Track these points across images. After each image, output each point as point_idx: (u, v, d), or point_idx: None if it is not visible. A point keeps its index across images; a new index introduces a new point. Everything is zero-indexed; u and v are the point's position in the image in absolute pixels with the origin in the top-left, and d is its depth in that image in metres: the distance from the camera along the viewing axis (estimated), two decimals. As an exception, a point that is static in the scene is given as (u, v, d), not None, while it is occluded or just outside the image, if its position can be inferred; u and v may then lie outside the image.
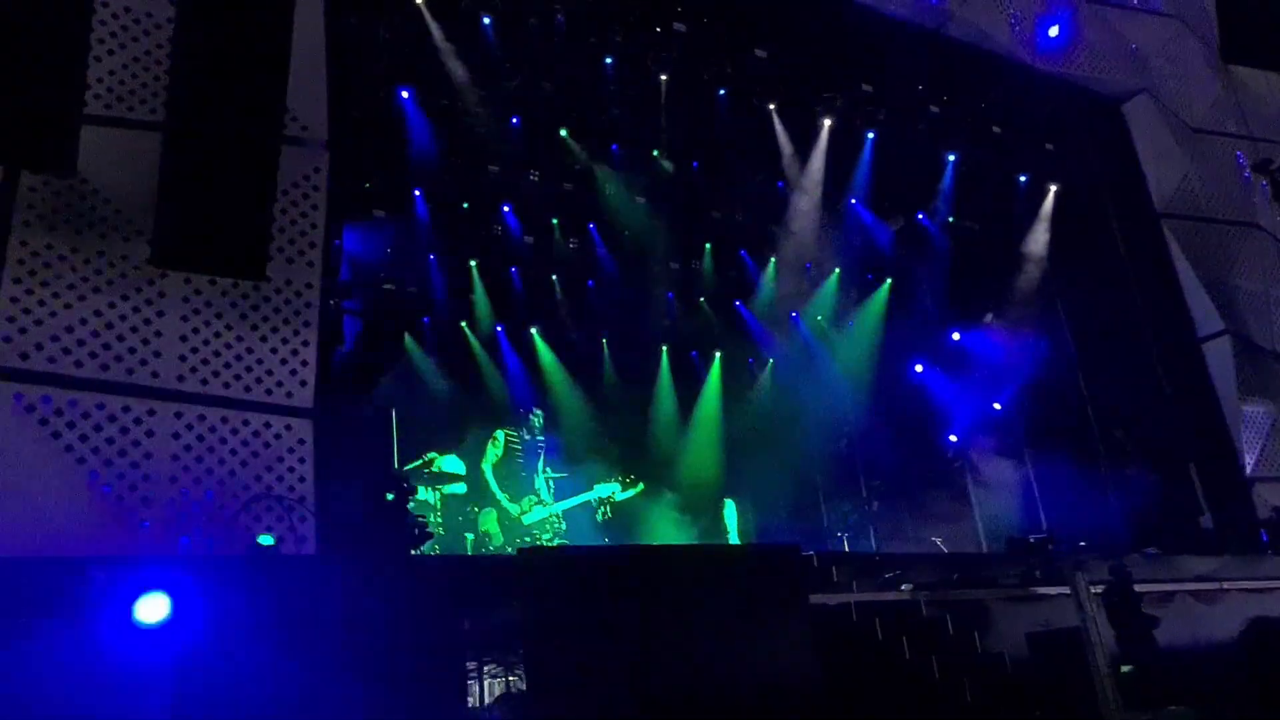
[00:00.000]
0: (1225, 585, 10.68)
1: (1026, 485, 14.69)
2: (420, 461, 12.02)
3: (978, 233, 15.79)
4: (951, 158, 14.74)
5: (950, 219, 15.55)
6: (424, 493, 11.79)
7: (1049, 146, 14.88)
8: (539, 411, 13.48)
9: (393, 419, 11.50)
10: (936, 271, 15.92)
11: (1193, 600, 10.29)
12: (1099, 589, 8.55)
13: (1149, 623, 8.34)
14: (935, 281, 16.00)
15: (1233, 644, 9.75)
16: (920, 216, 15.81)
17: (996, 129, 14.44)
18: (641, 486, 13.47)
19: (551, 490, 13.00)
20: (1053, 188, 15.02)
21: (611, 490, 13.15)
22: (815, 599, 7.72)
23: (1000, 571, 9.64)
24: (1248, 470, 12.88)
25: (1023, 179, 15.02)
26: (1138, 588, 8.79)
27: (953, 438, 15.51)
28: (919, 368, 16.02)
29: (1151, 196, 14.03)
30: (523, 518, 12.45)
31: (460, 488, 12.32)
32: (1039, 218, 15.07)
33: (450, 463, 12.26)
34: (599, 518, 13.38)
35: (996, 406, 15.23)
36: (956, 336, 15.93)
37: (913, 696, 7.92)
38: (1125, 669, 7.87)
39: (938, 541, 13.42)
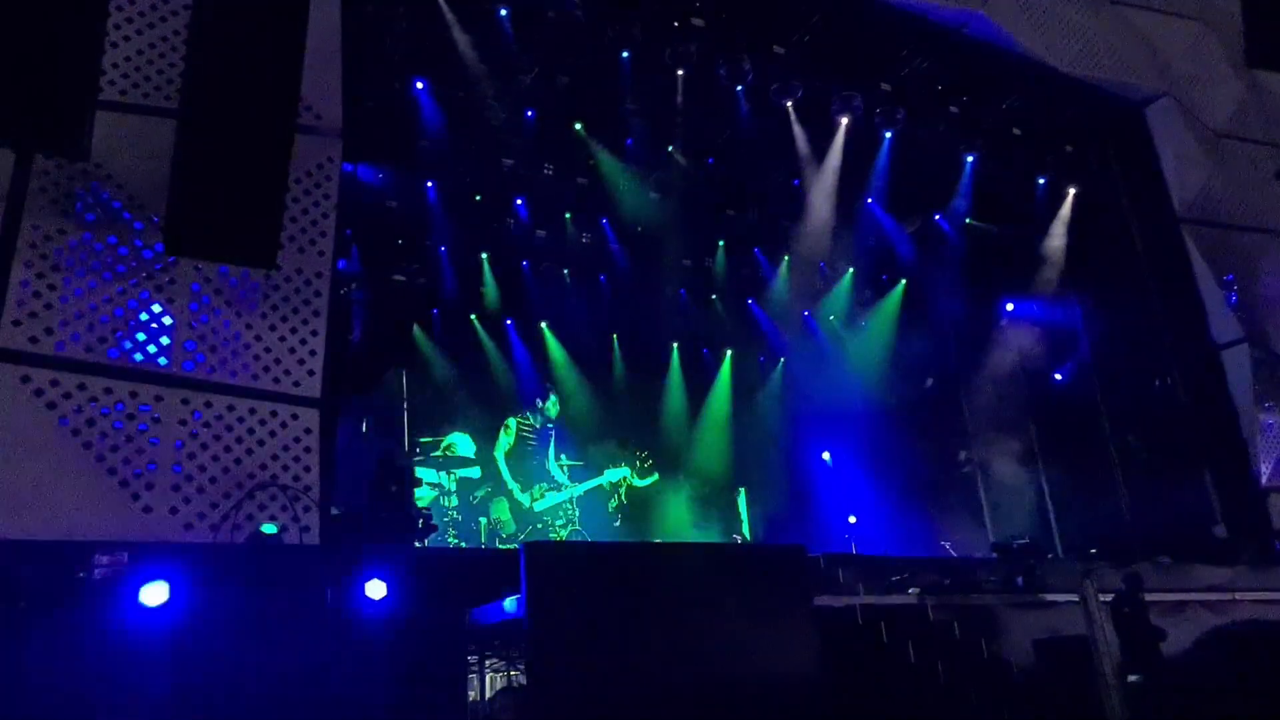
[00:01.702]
0: (1238, 596, 10.55)
1: (1039, 490, 14.56)
2: (440, 448, 12.13)
3: (995, 235, 15.65)
4: (970, 159, 14.60)
5: (967, 220, 15.42)
6: (436, 476, 11.92)
7: (1069, 149, 14.71)
8: (554, 397, 13.53)
9: (403, 410, 11.61)
10: (952, 273, 15.80)
11: (1205, 610, 10.16)
12: (1108, 597, 8.45)
13: (1156, 634, 8.22)
14: (950, 283, 15.88)
15: (1244, 655, 9.62)
16: (937, 217, 15.69)
17: (1016, 130, 14.29)
18: (656, 476, 13.55)
19: (566, 475, 13.09)
20: (1072, 190, 14.85)
21: (622, 475, 13.23)
22: (820, 601, 7.66)
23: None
24: (1263, 480, 12.69)
25: (1042, 181, 14.86)
26: (1149, 597, 8.68)
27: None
28: (929, 381, 15.87)
29: (1172, 201, 13.82)
30: (534, 505, 12.55)
31: (474, 471, 12.40)
32: (1057, 221, 14.90)
33: (463, 443, 12.38)
34: (611, 506, 13.47)
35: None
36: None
37: (918, 702, 7.86)
38: (1132, 679, 7.76)
39: (946, 546, 13.35)
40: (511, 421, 13.05)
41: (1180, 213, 13.79)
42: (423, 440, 11.95)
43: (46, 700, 5.11)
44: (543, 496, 12.70)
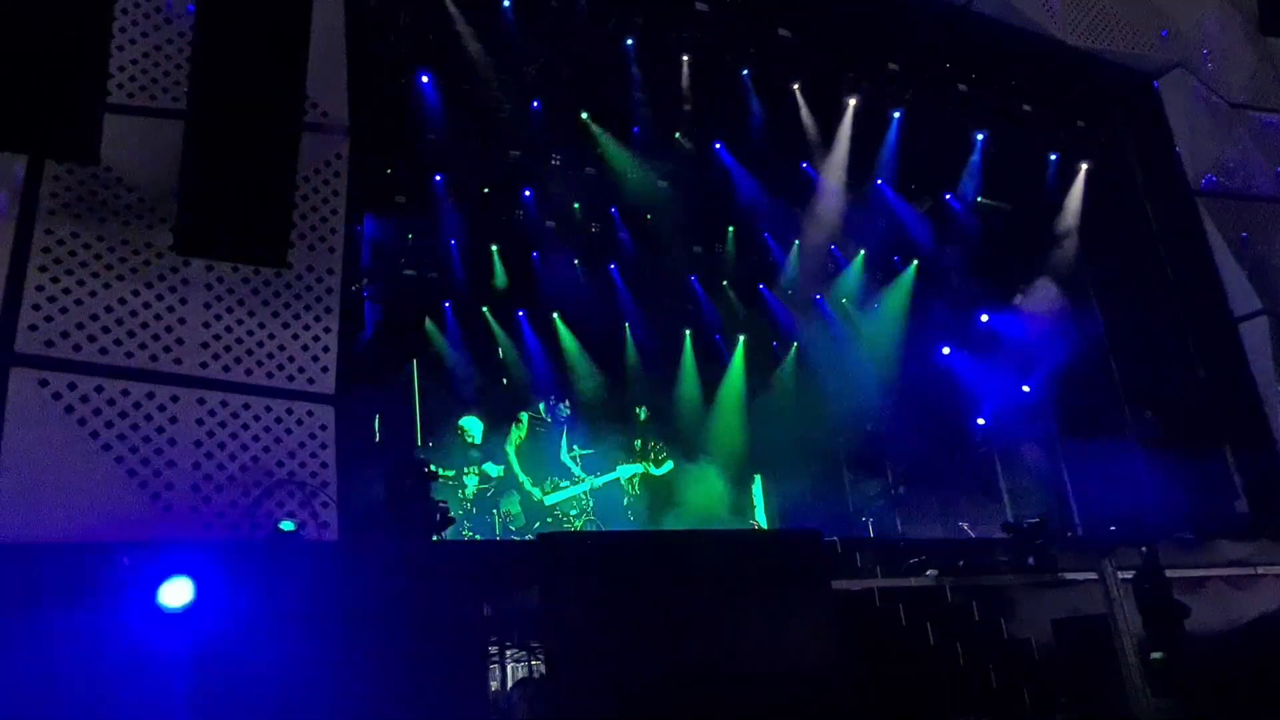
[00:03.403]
0: (1260, 571, 10.48)
1: (1056, 469, 14.48)
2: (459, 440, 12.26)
3: (1007, 213, 15.52)
4: (980, 137, 14.46)
5: (979, 199, 15.30)
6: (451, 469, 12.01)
7: (1080, 124, 14.55)
8: (566, 403, 13.64)
9: (415, 404, 11.67)
10: (965, 252, 15.68)
11: (1227, 586, 10.10)
12: (1128, 575, 8.41)
13: (1180, 611, 8.18)
14: (963, 263, 15.76)
15: (1268, 630, 9.57)
16: (948, 197, 15.57)
17: (1026, 107, 14.13)
18: (671, 465, 13.60)
19: (580, 465, 13.17)
20: (1084, 166, 14.70)
21: (634, 471, 13.30)
22: (838, 585, 7.66)
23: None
24: (1285, 454, 12.59)
25: (1053, 157, 14.71)
26: (1170, 573, 8.63)
27: (980, 420, 15.31)
28: (946, 350, 15.81)
29: (1186, 173, 13.67)
30: (545, 499, 12.62)
31: (493, 469, 12.48)
32: (1070, 197, 14.76)
33: (471, 424, 12.49)
34: (627, 490, 13.56)
35: (1026, 389, 15.00)
36: (985, 319, 15.69)
37: (937, 682, 7.86)
38: (1156, 656, 7.73)
39: (964, 526, 13.31)
40: (524, 415, 13.15)
41: (1194, 184, 13.64)
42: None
43: (69, 700, 5.17)
44: (555, 490, 12.78)
